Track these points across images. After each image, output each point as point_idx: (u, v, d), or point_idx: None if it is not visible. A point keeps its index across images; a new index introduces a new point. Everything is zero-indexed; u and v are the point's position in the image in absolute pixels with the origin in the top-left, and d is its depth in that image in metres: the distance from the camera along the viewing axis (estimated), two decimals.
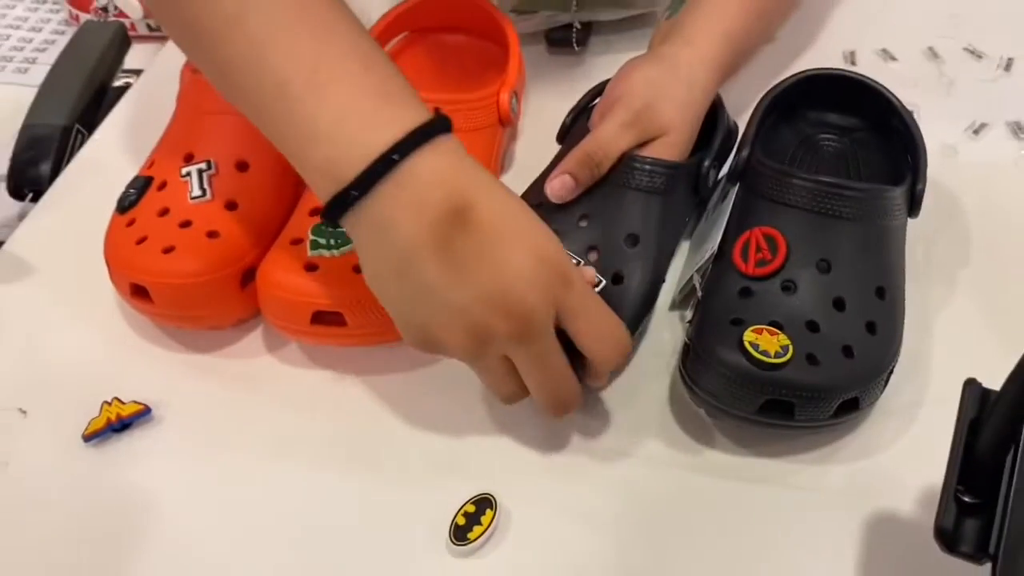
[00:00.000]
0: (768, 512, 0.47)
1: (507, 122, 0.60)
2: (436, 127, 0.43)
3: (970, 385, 0.37)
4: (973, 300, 0.55)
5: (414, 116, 0.43)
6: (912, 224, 0.54)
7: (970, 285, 0.56)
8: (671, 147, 0.53)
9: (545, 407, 0.46)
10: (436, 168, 0.43)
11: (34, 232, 0.63)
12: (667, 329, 0.54)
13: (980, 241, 0.58)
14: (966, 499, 0.36)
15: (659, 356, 0.53)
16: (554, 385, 0.45)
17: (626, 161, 0.52)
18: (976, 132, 0.64)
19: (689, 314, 0.52)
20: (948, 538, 0.35)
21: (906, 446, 0.49)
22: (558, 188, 0.51)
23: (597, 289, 0.49)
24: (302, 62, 0.43)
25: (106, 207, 0.57)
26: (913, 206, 0.52)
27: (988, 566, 0.34)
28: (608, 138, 0.52)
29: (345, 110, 0.43)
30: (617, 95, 0.53)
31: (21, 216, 0.66)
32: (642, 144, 0.53)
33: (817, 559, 0.45)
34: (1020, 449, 0.34)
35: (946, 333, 0.53)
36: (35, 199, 0.67)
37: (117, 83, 0.77)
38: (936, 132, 0.61)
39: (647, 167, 0.51)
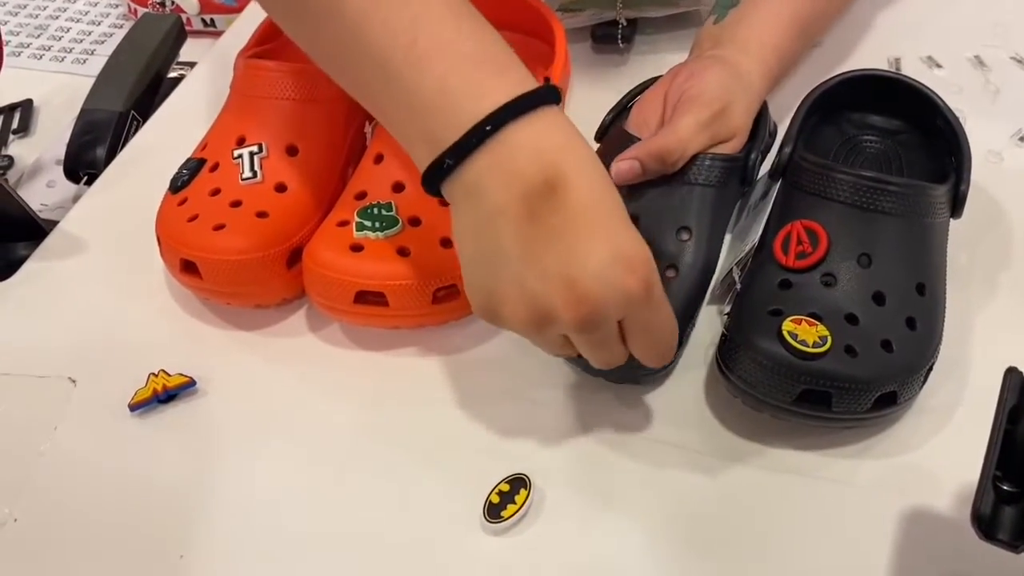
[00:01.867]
0: (800, 503, 0.47)
1: None
2: (537, 98, 0.42)
3: (1011, 373, 0.37)
4: (1015, 304, 0.55)
5: (513, 85, 0.42)
6: (955, 228, 0.54)
7: (1012, 289, 0.55)
8: (732, 151, 0.54)
9: (595, 365, 0.46)
10: (533, 140, 0.42)
11: (88, 212, 0.65)
12: (704, 322, 0.54)
13: (1022, 245, 0.58)
14: (1004, 487, 0.36)
15: (696, 348, 0.53)
16: (606, 360, 0.45)
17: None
18: (1022, 139, 0.64)
19: (727, 307, 0.52)
20: (985, 524, 0.35)
21: (942, 445, 0.49)
22: (625, 172, 0.50)
23: None
24: (400, 36, 0.43)
25: (158, 190, 0.58)
26: (956, 206, 0.52)
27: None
28: (687, 138, 0.51)
29: (442, 82, 0.42)
30: (693, 94, 0.52)
31: (76, 199, 0.68)
32: (709, 146, 0.53)
33: (848, 551, 0.45)
34: None
35: (986, 336, 0.53)
36: (89, 182, 0.69)
37: (172, 74, 0.79)
38: (981, 139, 0.61)
39: (707, 162, 0.52)
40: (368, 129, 0.60)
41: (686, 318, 0.50)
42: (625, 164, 0.51)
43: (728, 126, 0.53)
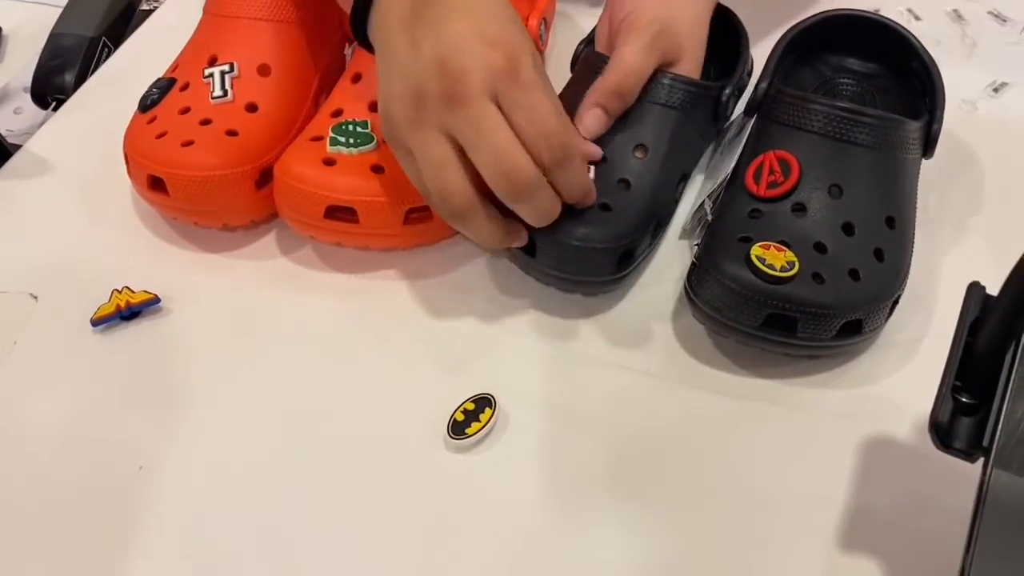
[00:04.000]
0: (763, 429, 0.47)
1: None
2: None
3: (974, 287, 0.37)
4: (982, 246, 0.55)
5: None
6: (926, 171, 0.54)
7: (980, 232, 0.56)
8: (688, 72, 0.53)
9: (494, 185, 0.45)
10: None
11: (55, 133, 0.64)
12: (676, 257, 0.55)
13: (992, 192, 0.58)
14: (963, 399, 0.36)
15: (665, 282, 0.53)
16: (496, 156, 0.44)
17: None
18: (996, 90, 0.64)
19: (697, 239, 0.52)
20: (942, 433, 0.35)
21: (906, 377, 0.49)
22: (592, 124, 0.50)
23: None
24: None
25: (127, 114, 0.57)
26: (928, 145, 0.52)
27: (978, 474, 0.34)
28: (634, 67, 0.51)
29: None
30: (630, 21, 0.52)
31: (42, 125, 0.67)
32: (661, 66, 0.52)
33: (810, 476, 0.45)
34: (1021, 345, 0.34)
35: (953, 275, 0.53)
36: (57, 108, 0.67)
37: (144, 6, 0.78)
38: (957, 89, 0.61)
39: (666, 82, 0.52)
40: (348, 51, 0.60)
41: (637, 232, 0.50)
42: (589, 116, 0.51)
43: (673, 43, 0.52)
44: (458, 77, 0.43)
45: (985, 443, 0.34)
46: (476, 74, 0.43)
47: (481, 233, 0.47)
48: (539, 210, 0.46)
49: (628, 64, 0.51)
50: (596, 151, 0.50)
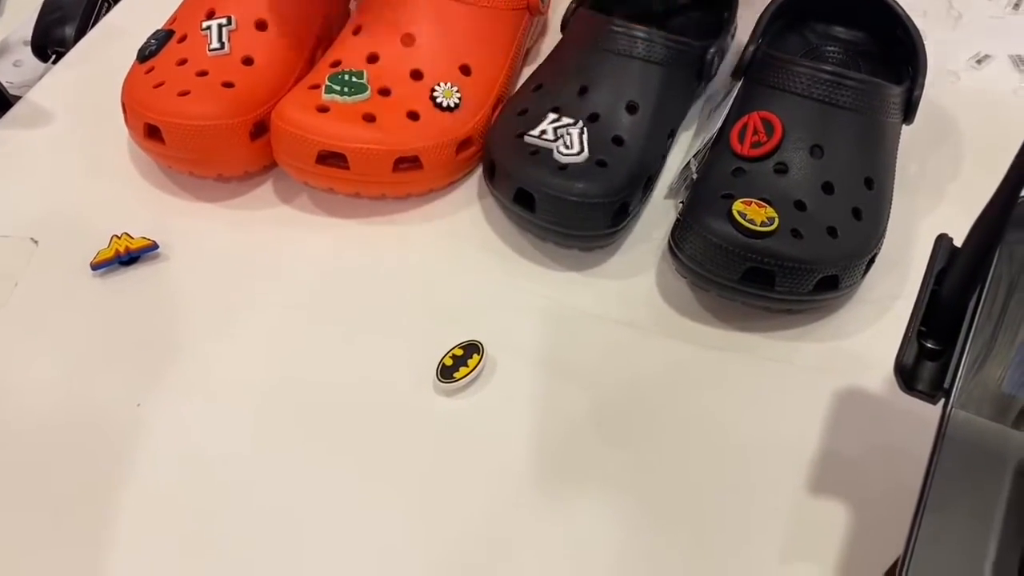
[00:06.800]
0: (741, 379, 0.49)
1: (535, 10, 0.61)
2: None
3: (942, 238, 0.39)
4: (958, 212, 0.55)
5: None
6: (908, 139, 0.55)
7: (958, 198, 0.57)
8: None
9: None
10: None
11: (56, 84, 0.65)
12: (662, 216, 0.56)
13: (972, 160, 0.59)
14: (927, 344, 0.37)
15: (650, 241, 0.55)
16: None
17: (628, 31, 0.54)
18: (979, 62, 0.65)
19: (682, 198, 0.54)
20: (907, 375, 0.37)
21: (878, 333, 0.51)
22: None
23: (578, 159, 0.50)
24: None
25: (125, 66, 0.58)
26: (909, 111, 0.54)
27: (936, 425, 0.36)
28: None
29: None
30: None
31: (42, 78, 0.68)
32: None
33: (785, 423, 0.47)
34: (984, 292, 0.36)
35: (928, 239, 0.53)
36: (57, 61, 0.68)
37: None
38: (940, 59, 0.63)
39: (646, 36, 0.53)
40: (352, 5, 0.61)
41: (631, 187, 0.51)
42: None
43: None
44: None
45: (946, 385, 0.36)
46: None
47: None
48: None
49: None
50: None
